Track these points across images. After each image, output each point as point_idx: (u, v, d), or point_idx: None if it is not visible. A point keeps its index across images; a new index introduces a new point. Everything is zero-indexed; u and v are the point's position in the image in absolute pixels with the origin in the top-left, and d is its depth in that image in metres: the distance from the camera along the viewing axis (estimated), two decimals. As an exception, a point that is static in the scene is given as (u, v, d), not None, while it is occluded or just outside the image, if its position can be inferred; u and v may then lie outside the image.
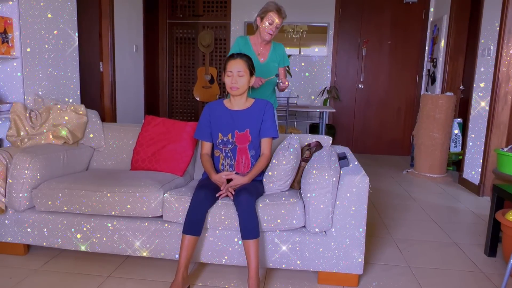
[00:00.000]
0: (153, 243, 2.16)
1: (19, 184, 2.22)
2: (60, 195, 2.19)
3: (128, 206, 2.14)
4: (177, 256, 2.14)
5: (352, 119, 6.01)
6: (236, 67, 2.17)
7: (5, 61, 2.78)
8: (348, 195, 2.00)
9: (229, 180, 2.15)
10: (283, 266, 2.10)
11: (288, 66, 3.09)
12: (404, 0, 5.65)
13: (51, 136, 2.57)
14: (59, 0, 3.14)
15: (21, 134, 2.56)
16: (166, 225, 2.15)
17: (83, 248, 2.23)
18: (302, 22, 5.80)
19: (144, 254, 2.18)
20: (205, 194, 2.02)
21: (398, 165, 5.27)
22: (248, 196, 1.98)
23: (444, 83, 5.02)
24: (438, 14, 5.33)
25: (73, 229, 2.22)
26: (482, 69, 3.95)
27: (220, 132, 2.24)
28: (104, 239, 2.20)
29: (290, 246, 2.07)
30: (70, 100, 3.34)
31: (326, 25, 5.79)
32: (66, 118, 2.66)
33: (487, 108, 3.85)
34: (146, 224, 2.16)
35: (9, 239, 2.31)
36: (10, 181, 2.23)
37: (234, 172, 2.19)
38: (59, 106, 2.70)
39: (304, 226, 2.09)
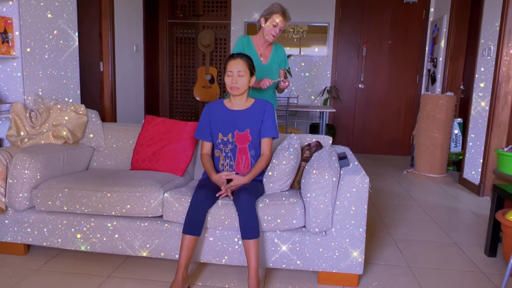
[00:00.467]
0: (153, 243, 2.16)
1: (19, 184, 2.22)
2: (60, 195, 2.19)
3: (128, 206, 2.14)
4: (177, 256, 2.14)
5: (352, 119, 6.01)
6: (236, 67, 2.17)
7: (5, 61, 2.78)
8: (348, 195, 2.00)
9: (229, 180, 2.15)
10: (283, 266, 2.10)
11: (288, 68, 3.09)
12: (404, 0, 5.65)
13: (51, 136, 2.57)
14: (59, 0, 3.14)
15: (21, 134, 2.56)
16: (166, 225, 2.15)
17: (83, 248, 2.23)
18: (302, 22, 5.80)
19: (144, 254, 2.19)
20: (205, 194, 2.02)
21: (398, 165, 5.27)
22: (248, 196, 1.98)
23: (444, 83, 5.02)
24: (438, 14, 5.33)
25: (73, 229, 2.22)
26: (482, 69, 3.95)
27: (220, 132, 2.24)
28: (104, 239, 2.20)
29: (290, 246, 2.07)
30: (70, 100, 3.34)
31: (326, 25, 5.79)
32: (66, 118, 2.66)
33: (487, 108, 3.85)
34: (146, 224, 2.16)
35: (9, 239, 2.31)
36: (10, 181, 2.23)
37: (234, 172, 2.19)
38: (59, 106, 2.70)
39: (304, 226, 2.09)
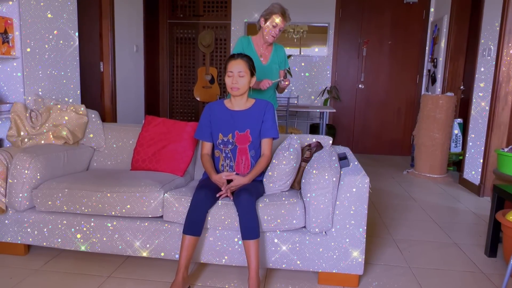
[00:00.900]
0: (153, 243, 2.16)
1: (19, 184, 2.22)
2: (60, 195, 2.19)
3: (128, 206, 2.14)
4: (177, 256, 2.14)
5: (352, 119, 6.01)
6: (237, 68, 2.17)
7: (5, 61, 2.78)
8: (348, 195, 2.00)
9: (229, 181, 2.15)
10: (283, 266, 2.09)
11: (288, 68, 3.09)
12: (404, 0, 5.65)
13: (51, 136, 2.57)
14: (59, 0, 3.14)
15: (22, 134, 2.56)
16: (166, 225, 2.15)
17: (83, 248, 2.23)
18: (303, 22, 5.80)
19: (144, 254, 2.18)
20: (206, 194, 2.02)
21: (399, 165, 5.27)
22: (249, 196, 1.98)
23: (444, 83, 5.02)
24: (439, 14, 5.33)
25: (73, 229, 2.22)
26: (482, 69, 3.95)
27: (220, 132, 2.24)
28: (104, 239, 2.20)
29: (290, 246, 2.07)
30: (70, 100, 3.34)
31: (327, 25, 5.79)
32: (66, 118, 2.66)
33: (488, 108, 3.85)
34: (146, 224, 2.16)
35: (9, 239, 2.31)
36: (11, 181, 2.23)
37: (234, 172, 2.19)
38: (59, 106, 2.70)
39: (304, 227, 2.09)
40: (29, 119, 2.61)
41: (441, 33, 5.10)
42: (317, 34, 5.84)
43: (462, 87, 4.88)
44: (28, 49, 2.85)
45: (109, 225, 2.18)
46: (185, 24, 6.15)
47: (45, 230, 2.25)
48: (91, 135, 2.74)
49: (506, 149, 3.16)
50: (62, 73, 3.24)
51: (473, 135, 4.08)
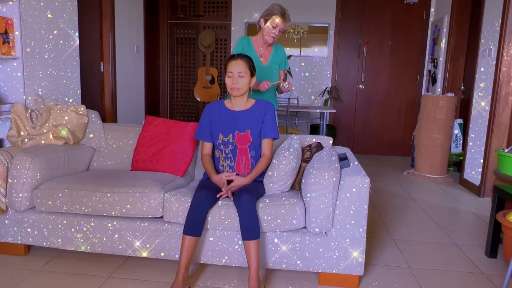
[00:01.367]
0: (153, 243, 2.16)
1: (20, 184, 2.22)
2: (60, 195, 2.19)
3: (128, 206, 2.14)
4: (177, 256, 2.14)
5: (352, 119, 6.01)
6: (237, 68, 2.17)
7: (6, 61, 2.78)
8: (348, 195, 2.00)
9: (229, 181, 2.15)
10: (283, 266, 2.09)
11: (288, 69, 3.08)
12: (404, 0, 5.64)
13: (51, 136, 2.57)
14: (59, 0, 3.14)
15: (22, 134, 2.56)
16: (166, 225, 2.15)
17: (83, 248, 2.23)
18: (303, 23, 5.80)
19: (144, 254, 2.18)
20: (206, 195, 2.02)
21: (399, 165, 5.27)
22: (249, 196, 1.98)
23: (444, 83, 5.02)
24: (439, 14, 5.33)
25: (73, 229, 2.22)
26: (483, 70, 3.95)
27: (220, 132, 2.24)
28: (104, 239, 2.20)
29: (290, 246, 2.07)
30: (71, 100, 3.34)
31: (327, 25, 5.79)
32: (67, 118, 2.66)
33: (488, 108, 3.85)
34: (146, 224, 2.16)
35: (9, 239, 2.31)
36: (11, 181, 2.23)
37: (234, 173, 2.18)
38: (59, 106, 2.70)
39: (305, 227, 2.09)
40: (29, 119, 2.61)
41: (442, 33, 5.10)
42: (317, 35, 5.84)
43: (462, 87, 4.88)
44: (28, 49, 2.85)
45: (109, 225, 2.18)
46: (185, 24, 6.15)
47: (45, 230, 2.25)
48: (91, 135, 2.74)
49: (506, 150, 3.16)
50: (62, 73, 3.24)
51: (473, 136, 4.08)
